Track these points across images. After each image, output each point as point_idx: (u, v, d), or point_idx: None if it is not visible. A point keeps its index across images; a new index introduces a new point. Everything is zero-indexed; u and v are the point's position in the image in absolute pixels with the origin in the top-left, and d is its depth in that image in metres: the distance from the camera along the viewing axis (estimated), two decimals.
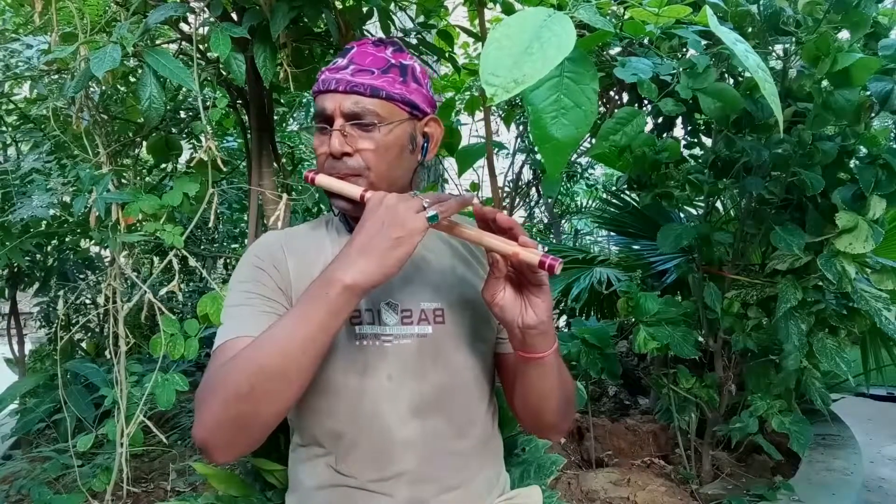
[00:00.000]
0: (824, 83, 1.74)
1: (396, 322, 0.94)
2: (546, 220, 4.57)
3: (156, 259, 3.12)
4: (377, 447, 0.90)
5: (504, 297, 0.85)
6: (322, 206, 2.98)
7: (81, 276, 2.96)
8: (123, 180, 2.01)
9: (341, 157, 0.91)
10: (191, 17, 1.66)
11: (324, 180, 0.91)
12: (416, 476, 0.91)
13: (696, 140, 2.29)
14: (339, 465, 0.92)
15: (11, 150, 2.51)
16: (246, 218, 3.02)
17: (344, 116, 0.90)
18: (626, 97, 2.46)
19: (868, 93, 1.68)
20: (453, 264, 1.00)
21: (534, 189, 3.69)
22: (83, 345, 3.09)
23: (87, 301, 3.22)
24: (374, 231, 0.78)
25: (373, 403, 0.90)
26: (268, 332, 0.80)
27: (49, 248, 2.83)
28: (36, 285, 2.88)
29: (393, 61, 0.94)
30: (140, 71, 1.45)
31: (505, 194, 3.16)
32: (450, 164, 3.19)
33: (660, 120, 2.33)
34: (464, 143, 2.66)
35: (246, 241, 2.42)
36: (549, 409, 0.95)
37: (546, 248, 3.89)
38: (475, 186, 3.26)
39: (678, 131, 2.38)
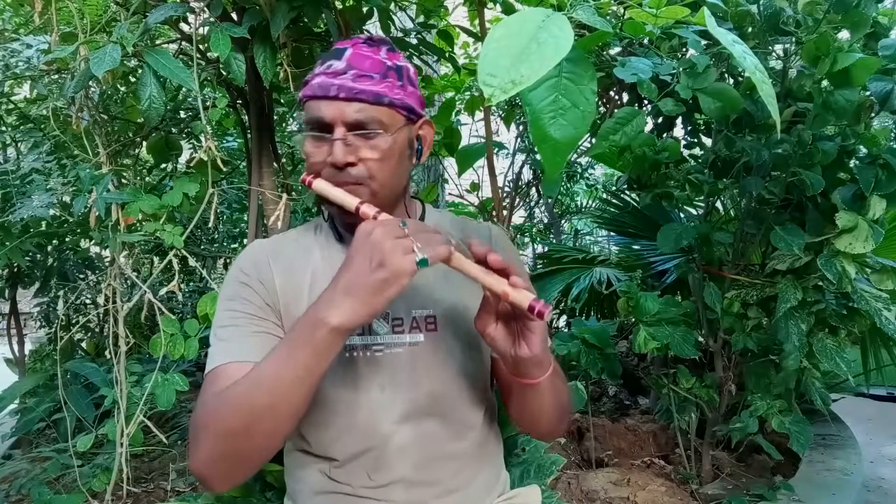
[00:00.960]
0: (824, 83, 1.74)
1: (387, 331, 0.93)
2: (546, 220, 4.57)
3: (156, 259, 3.12)
4: (372, 455, 0.90)
5: (496, 330, 0.84)
6: (323, 204, 2.97)
7: (81, 276, 2.96)
8: (123, 180, 2.01)
9: (344, 167, 0.88)
10: (191, 17, 1.66)
11: (321, 185, 0.89)
12: (413, 481, 0.90)
13: (696, 140, 2.29)
14: (334, 472, 0.91)
15: (11, 150, 2.52)
16: (246, 218, 3.02)
17: (346, 125, 0.87)
18: (626, 97, 2.46)
19: (868, 93, 1.68)
20: (446, 271, 0.98)
21: (534, 189, 3.68)
22: (83, 345, 3.09)
23: (87, 301, 3.22)
24: (360, 271, 0.76)
25: (366, 414, 0.90)
26: (257, 370, 0.79)
27: (49, 248, 2.83)
28: (36, 285, 2.89)
29: (389, 64, 0.91)
30: (140, 71, 1.45)
31: (505, 194, 3.16)
32: (450, 163, 3.19)
33: (660, 120, 2.33)
34: (464, 143, 2.67)
35: (246, 240, 2.42)
36: (543, 421, 0.95)
37: (547, 246, 3.89)
38: (475, 186, 3.26)
39: (678, 131, 2.38)
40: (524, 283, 0.80)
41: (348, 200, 0.86)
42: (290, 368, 0.77)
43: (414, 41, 2.04)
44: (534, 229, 4.26)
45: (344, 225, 0.96)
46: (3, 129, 2.41)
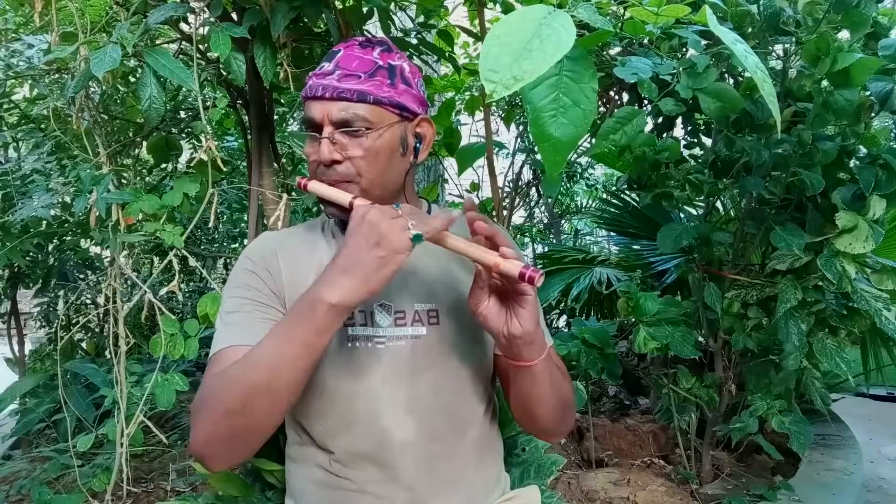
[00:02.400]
0: (824, 83, 1.74)
1: (390, 324, 0.93)
2: (546, 220, 4.56)
3: (156, 259, 3.12)
4: (373, 450, 0.90)
5: (488, 307, 0.85)
6: (322, 205, 2.97)
7: (81, 276, 2.96)
8: (123, 180, 2.01)
9: (331, 165, 0.90)
10: (191, 17, 1.66)
11: (315, 187, 0.91)
12: (414, 478, 0.90)
13: (696, 140, 2.29)
14: (335, 466, 0.91)
15: (12, 151, 2.51)
16: (246, 218, 3.02)
17: (332, 124, 0.89)
18: (626, 97, 2.46)
19: (868, 93, 1.68)
20: (449, 265, 0.99)
21: (534, 189, 3.68)
22: (83, 345, 3.09)
23: (87, 301, 3.21)
24: (357, 250, 0.78)
25: (367, 406, 0.90)
26: (256, 349, 0.80)
27: (49, 248, 2.83)
28: (36, 285, 2.88)
29: (381, 63, 0.91)
30: (140, 71, 1.45)
31: (505, 194, 3.16)
32: (450, 163, 3.19)
33: (660, 120, 2.33)
34: (464, 142, 2.67)
35: (246, 240, 2.42)
36: (541, 414, 0.95)
37: (547, 246, 3.89)
38: (475, 186, 3.26)
39: (678, 131, 2.38)
40: (515, 253, 0.81)
41: (342, 197, 0.89)
42: (289, 346, 0.78)
43: (414, 41, 2.04)
44: (534, 229, 4.26)
45: (345, 223, 0.97)
46: (4, 129, 2.41)
